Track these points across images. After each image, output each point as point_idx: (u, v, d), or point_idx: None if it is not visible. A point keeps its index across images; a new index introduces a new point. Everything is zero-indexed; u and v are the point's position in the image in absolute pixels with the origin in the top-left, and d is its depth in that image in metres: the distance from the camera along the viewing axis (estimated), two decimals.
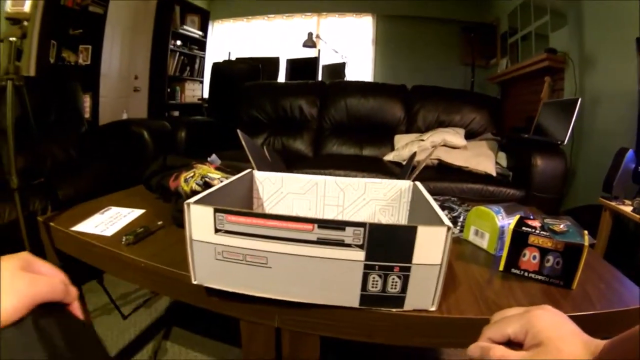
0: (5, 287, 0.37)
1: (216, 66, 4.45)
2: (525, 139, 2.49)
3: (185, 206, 0.62)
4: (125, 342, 1.48)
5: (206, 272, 0.67)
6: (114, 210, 1.14)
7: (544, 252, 0.78)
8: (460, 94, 3.31)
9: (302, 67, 4.90)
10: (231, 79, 4.08)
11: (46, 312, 0.39)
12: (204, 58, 6.03)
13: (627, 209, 1.74)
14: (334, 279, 0.61)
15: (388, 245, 0.59)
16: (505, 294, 0.75)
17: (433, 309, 0.65)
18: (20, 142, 1.27)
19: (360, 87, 3.16)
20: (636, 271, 1.55)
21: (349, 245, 0.58)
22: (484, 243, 0.95)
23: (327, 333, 0.69)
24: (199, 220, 0.62)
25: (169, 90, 5.34)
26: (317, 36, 5.01)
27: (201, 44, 5.96)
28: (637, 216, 1.66)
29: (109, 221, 1.05)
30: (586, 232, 0.80)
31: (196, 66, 5.93)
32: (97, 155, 2.39)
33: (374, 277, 0.60)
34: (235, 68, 4.50)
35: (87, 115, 3.86)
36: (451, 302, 0.70)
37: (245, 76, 3.97)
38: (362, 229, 0.57)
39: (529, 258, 0.79)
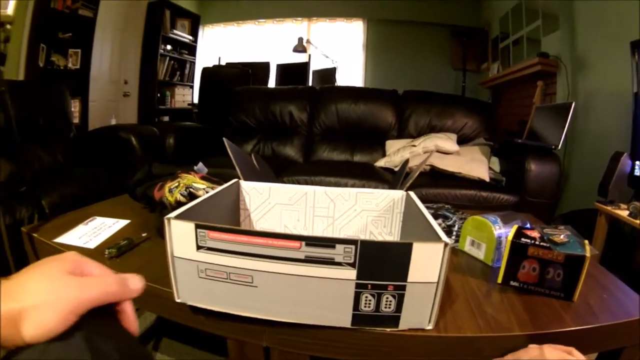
0: (49, 298, 0.32)
1: (206, 71, 4.41)
2: (518, 143, 2.47)
3: (165, 221, 0.59)
4: None
5: (189, 290, 0.63)
6: (98, 221, 1.10)
7: (544, 263, 0.75)
8: (452, 99, 3.29)
9: (293, 72, 4.88)
10: (221, 84, 4.04)
11: (98, 323, 0.35)
12: (194, 63, 6.00)
13: (623, 213, 1.73)
14: (324, 299, 0.58)
15: (381, 263, 0.55)
16: (505, 308, 0.72)
17: (430, 327, 0.61)
18: (3, 149, 1.22)
19: (351, 92, 3.12)
20: (633, 276, 1.54)
21: (339, 264, 0.55)
22: (480, 254, 0.92)
23: (318, 353, 0.66)
24: (180, 236, 0.59)
25: (159, 95, 5.29)
26: (308, 41, 4.98)
27: (191, 49, 5.93)
28: (633, 220, 1.64)
29: (92, 232, 1.02)
30: (587, 242, 0.77)
31: (186, 71, 5.89)
32: (85, 161, 2.34)
33: (366, 297, 0.57)
34: (226, 73, 4.47)
35: (76, 120, 3.82)
36: (448, 318, 0.66)
37: (236, 81, 3.93)
38: (352, 247, 0.54)
39: (529, 270, 0.76)
